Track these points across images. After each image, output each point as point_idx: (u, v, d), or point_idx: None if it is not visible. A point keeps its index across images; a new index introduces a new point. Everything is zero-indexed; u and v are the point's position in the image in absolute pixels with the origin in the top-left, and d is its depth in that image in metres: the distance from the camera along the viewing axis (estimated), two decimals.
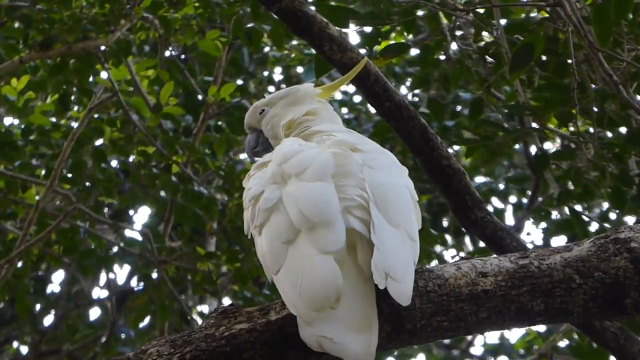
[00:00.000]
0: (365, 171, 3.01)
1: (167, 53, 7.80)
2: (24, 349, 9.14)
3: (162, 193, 7.58)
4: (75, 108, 7.86)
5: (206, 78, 8.06)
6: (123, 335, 8.40)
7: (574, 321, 3.15)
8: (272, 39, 7.43)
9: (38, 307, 8.89)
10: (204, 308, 8.73)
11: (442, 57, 6.76)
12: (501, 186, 8.71)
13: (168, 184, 7.26)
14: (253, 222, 3.04)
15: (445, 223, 8.67)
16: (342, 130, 3.34)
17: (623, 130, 5.82)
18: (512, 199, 8.87)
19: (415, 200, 3.13)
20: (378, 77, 4.52)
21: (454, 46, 6.68)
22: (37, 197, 7.29)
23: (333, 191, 2.91)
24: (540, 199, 8.42)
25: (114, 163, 7.88)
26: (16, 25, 6.88)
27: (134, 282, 8.84)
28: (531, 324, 3.01)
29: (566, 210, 6.10)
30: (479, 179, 8.83)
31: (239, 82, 8.84)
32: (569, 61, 5.12)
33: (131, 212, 8.87)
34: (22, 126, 7.34)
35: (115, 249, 8.02)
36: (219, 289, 7.75)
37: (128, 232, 8.19)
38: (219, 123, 8.14)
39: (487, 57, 5.78)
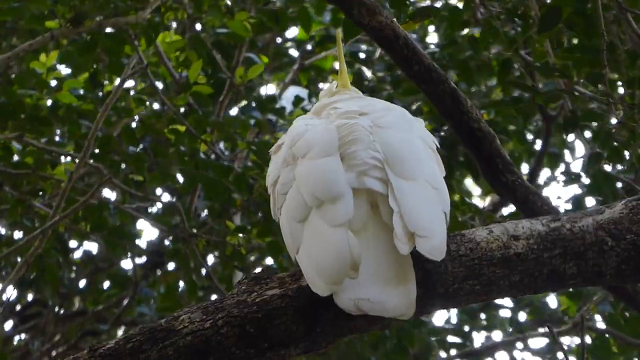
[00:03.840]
0: (375, 132, 3.00)
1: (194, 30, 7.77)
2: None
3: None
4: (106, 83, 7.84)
5: (221, 30, 7.99)
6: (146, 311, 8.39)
7: (606, 284, 3.14)
8: (299, 21, 7.43)
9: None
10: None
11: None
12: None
13: (196, 158, 7.26)
14: (275, 206, 3.07)
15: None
16: (348, 98, 3.31)
17: None
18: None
19: (433, 149, 3.11)
20: (407, 41, 4.49)
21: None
22: (68, 171, 7.29)
23: (338, 164, 2.90)
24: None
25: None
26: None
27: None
28: (564, 287, 3.00)
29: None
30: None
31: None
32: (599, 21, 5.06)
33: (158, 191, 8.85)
34: (50, 102, 7.32)
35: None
36: (248, 265, 7.76)
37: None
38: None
39: (515, 19, 5.74)
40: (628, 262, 2.92)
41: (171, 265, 8.34)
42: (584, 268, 2.92)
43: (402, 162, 2.91)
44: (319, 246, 2.79)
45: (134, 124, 7.49)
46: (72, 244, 8.78)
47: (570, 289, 7.16)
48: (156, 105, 7.87)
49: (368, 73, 8.65)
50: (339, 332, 2.87)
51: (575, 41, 5.49)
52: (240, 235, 7.50)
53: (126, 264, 9.11)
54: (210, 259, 8.29)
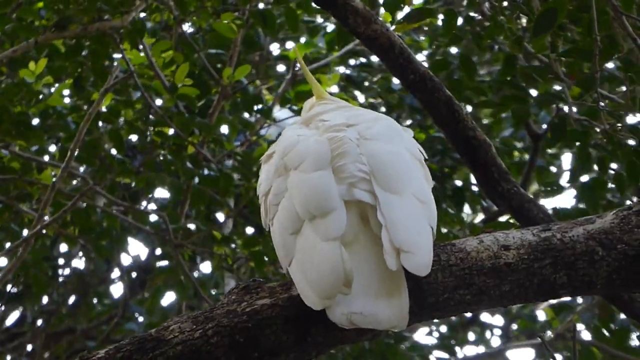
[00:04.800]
0: (362, 144, 3.00)
1: (181, 32, 7.77)
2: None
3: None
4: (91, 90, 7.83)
5: (211, 51, 8.00)
6: (139, 319, 8.38)
7: (597, 293, 3.13)
8: (287, 21, 7.42)
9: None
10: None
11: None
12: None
13: (183, 168, 7.26)
14: (267, 216, 3.06)
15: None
16: (334, 109, 3.32)
17: None
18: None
19: (420, 161, 3.10)
20: (403, 49, 4.48)
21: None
22: (53, 179, 7.30)
23: (330, 179, 2.90)
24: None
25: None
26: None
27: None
28: (554, 297, 2.99)
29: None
30: None
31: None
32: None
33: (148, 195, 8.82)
34: (40, 110, 7.32)
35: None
36: (234, 270, 7.74)
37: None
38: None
39: (520, 14, 5.74)
40: (619, 272, 2.92)
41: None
42: (574, 278, 2.92)
43: (389, 175, 2.91)
44: (312, 260, 2.77)
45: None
46: (60, 261, 8.78)
47: (557, 300, 7.22)
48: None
49: (361, 98, 8.68)
50: (330, 342, 2.87)
51: (570, 41, 5.50)
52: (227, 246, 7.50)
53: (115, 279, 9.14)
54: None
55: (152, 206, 8.66)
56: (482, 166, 4.52)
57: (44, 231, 7.00)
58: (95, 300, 9.10)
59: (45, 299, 8.80)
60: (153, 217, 7.98)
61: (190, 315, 2.90)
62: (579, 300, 7.91)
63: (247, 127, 8.00)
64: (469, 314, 8.66)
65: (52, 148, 7.83)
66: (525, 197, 4.52)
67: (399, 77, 4.59)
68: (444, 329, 8.96)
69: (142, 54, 7.36)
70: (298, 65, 8.38)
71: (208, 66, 7.71)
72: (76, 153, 6.31)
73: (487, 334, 9.18)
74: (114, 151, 7.34)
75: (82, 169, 7.94)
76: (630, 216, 2.95)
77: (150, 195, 8.57)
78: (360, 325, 2.70)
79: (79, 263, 9.06)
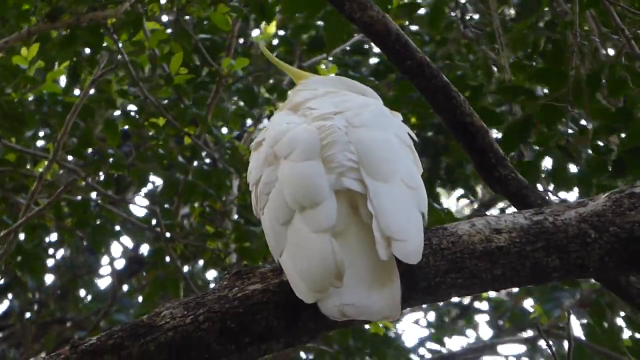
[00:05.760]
0: (350, 132, 2.97)
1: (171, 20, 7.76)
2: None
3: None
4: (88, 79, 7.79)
5: (202, 36, 7.96)
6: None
7: (590, 276, 3.12)
8: (282, 11, 7.42)
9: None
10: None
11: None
12: None
13: (176, 162, 7.26)
14: (258, 205, 3.05)
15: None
16: (322, 95, 3.30)
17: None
18: None
19: (410, 146, 3.09)
20: (399, 35, 4.46)
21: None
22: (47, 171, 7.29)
23: (320, 169, 2.88)
24: None
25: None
26: None
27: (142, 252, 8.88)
28: (547, 280, 2.98)
29: None
30: None
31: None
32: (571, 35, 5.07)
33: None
34: (34, 97, 7.30)
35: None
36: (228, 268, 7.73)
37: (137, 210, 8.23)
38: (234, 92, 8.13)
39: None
40: (611, 255, 2.91)
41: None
42: (566, 261, 2.91)
43: (377, 163, 2.89)
44: (302, 252, 2.76)
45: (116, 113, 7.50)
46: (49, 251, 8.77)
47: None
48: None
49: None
50: (321, 327, 2.86)
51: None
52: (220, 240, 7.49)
53: (104, 270, 9.13)
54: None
55: (143, 199, 8.67)
56: (479, 152, 4.49)
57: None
58: (83, 291, 9.09)
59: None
60: (143, 211, 7.99)
61: (182, 301, 2.90)
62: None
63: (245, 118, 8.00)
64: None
65: (44, 135, 7.81)
66: (523, 183, 4.49)
67: (396, 63, 4.56)
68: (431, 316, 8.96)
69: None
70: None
71: (206, 55, 7.70)
72: (64, 145, 6.30)
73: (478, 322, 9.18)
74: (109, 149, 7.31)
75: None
76: (622, 199, 2.94)
77: (140, 188, 8.56)
78: (352, 317, 2.68)
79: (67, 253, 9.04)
